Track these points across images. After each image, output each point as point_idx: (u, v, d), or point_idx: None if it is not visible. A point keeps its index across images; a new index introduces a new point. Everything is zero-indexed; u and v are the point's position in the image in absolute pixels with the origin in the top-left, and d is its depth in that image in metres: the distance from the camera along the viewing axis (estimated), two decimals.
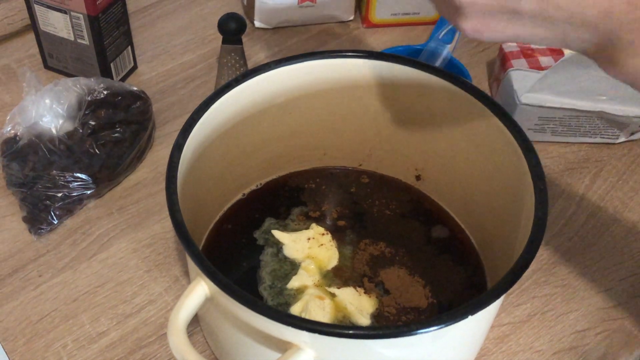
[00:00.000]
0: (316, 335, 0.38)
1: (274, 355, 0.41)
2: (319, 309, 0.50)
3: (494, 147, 0.50)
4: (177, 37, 0.78)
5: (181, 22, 0.80)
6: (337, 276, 0.53)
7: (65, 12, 0.66)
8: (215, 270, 0.40)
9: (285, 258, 0.54)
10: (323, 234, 0.55)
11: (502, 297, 0.42)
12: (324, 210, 0.58)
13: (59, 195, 0.59)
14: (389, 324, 0.50)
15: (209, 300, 0.42)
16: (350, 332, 0.38)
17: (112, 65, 0.70)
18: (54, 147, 0.60)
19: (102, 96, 0.63)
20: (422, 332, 0.38)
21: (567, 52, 0.66)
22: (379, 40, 0.78)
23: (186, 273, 0.57)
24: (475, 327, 0.45)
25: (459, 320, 0.39)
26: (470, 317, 0.39)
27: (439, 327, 0.38)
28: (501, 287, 0.40)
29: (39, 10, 0.67)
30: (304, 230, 0.56)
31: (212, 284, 0.40)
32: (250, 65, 0.73)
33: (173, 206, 0.43)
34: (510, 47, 0.69)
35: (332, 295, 0.51)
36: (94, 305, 0.55)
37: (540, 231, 0.42)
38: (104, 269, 0.57)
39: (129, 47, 0.72)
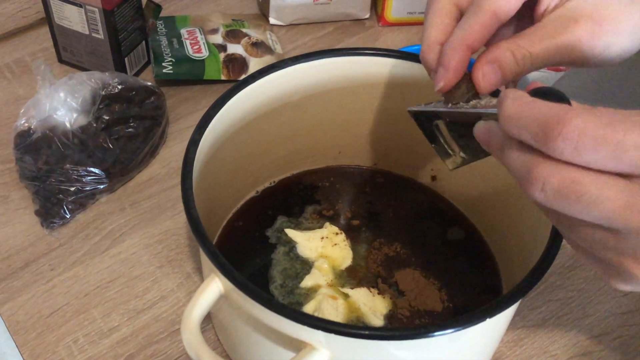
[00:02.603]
0: (332, 335, 0.38)
1: (288, 354, 0.41)
2: (332, 309, 0.50)
3: None
4: None
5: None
6: (351, 276, 0.53)
7: (80, 6, 0.65)
8: (231, 267, 0.39)
9: (297, 257, 0.54)
10: (337, 234, 0.55)
11: (519, 301, 0.41)
12: (337, 209, 0.58)
13: (72, 189, 0.59)
14: (406, 326, 0.50)
15: (222, 298, 0.42)
16: (367, 332, 0.38)
17: (126, 60, 0.69)
18: (67, 140, 0.59)
19: (116, 91, 0.63)
20: (439, 334, 0.38)
21: None
22: (394, 39, 0.78)
23: (198, 270, 0.56)
24: (491, 330, 0.45)
25: (477, 323, 0.38)
26: (488, 320, 0.38)
27: (456, 329, 0.38)
28: (520, 290, 0.39)
29: (54, 3, 0.67)
30: (318, 229, 0.55)
31: (226, 281, 0.40)
32: (265, 62, 0.73)
33: (189, 202, 0.43)
34: None
35: (346, 296, 0.51)
36: (105, 300, 0.54)
37: (559, 235, 0.42)
38: (115, 264, 0.57)
39: (144, 42, 0.71)
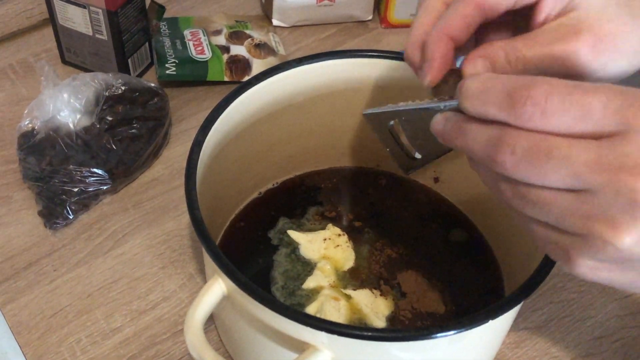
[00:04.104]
0: (334, 336, 0.38)
1: (290, 355, 0.41)
2: (334, 310, 0.50)
3: None
4: None
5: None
6: (353, 277, 0.53)
7: (84, 7, 0.66)
8: (234, 268, 0.40)
9: (298, 258, 0.54)
10: (339, 235, 0.55)
11: (521, 303, 0.41)
12: (340, 210, 0.58)
13: (75, 190, 0.59)
14: (409, 327, 0.50)
15: (225, 299, 0.42)
16: (370, 333, 0.38)
17: (129, 61, 0.70)
18: (71, 141, 0.60)
19: (119, 92, 0.63)
20: (441, 336, 0.38)
21: None
22: (397, 41, 0.78)
23: (201, 271, 0.57)
24: (493, 332, 0.45)
25: (479, 325, 0.38)
26: (490, 321, 0.38)
27: (458, 331, 0.38)
28: (522, 292, 0.40)
29: (57, 4, 0.67)
30: (320, 231, 0.55)
31: (230, 282, 0.40)
32: (268, 64, 0.73)
33: (192, 203, 0.43)
34: None
35: (348, 297, 0.51)
36: (108, 301, 0.55)
37: None
38: (118, 265, 0.57)
39: (147, 43, 0.72)
